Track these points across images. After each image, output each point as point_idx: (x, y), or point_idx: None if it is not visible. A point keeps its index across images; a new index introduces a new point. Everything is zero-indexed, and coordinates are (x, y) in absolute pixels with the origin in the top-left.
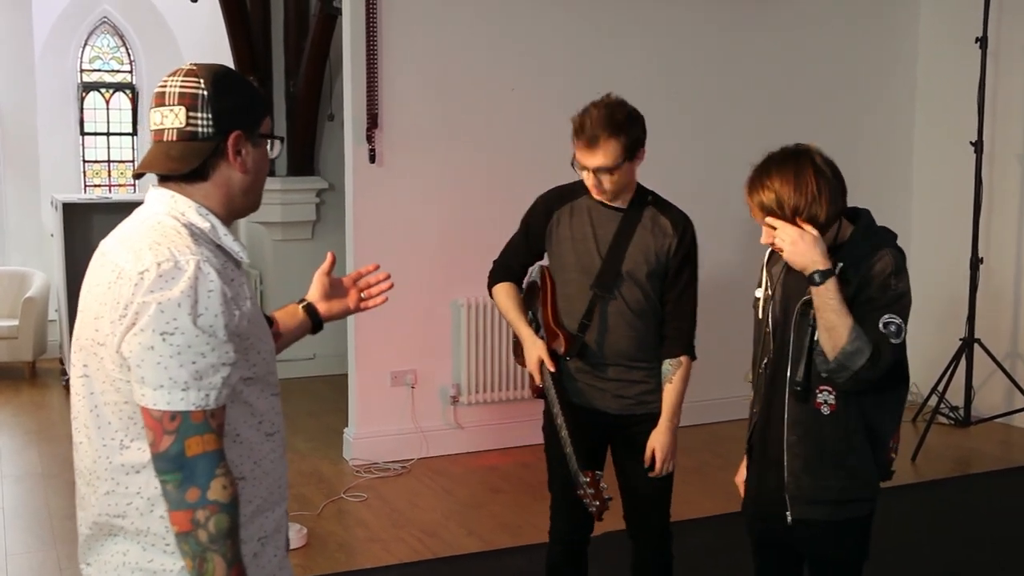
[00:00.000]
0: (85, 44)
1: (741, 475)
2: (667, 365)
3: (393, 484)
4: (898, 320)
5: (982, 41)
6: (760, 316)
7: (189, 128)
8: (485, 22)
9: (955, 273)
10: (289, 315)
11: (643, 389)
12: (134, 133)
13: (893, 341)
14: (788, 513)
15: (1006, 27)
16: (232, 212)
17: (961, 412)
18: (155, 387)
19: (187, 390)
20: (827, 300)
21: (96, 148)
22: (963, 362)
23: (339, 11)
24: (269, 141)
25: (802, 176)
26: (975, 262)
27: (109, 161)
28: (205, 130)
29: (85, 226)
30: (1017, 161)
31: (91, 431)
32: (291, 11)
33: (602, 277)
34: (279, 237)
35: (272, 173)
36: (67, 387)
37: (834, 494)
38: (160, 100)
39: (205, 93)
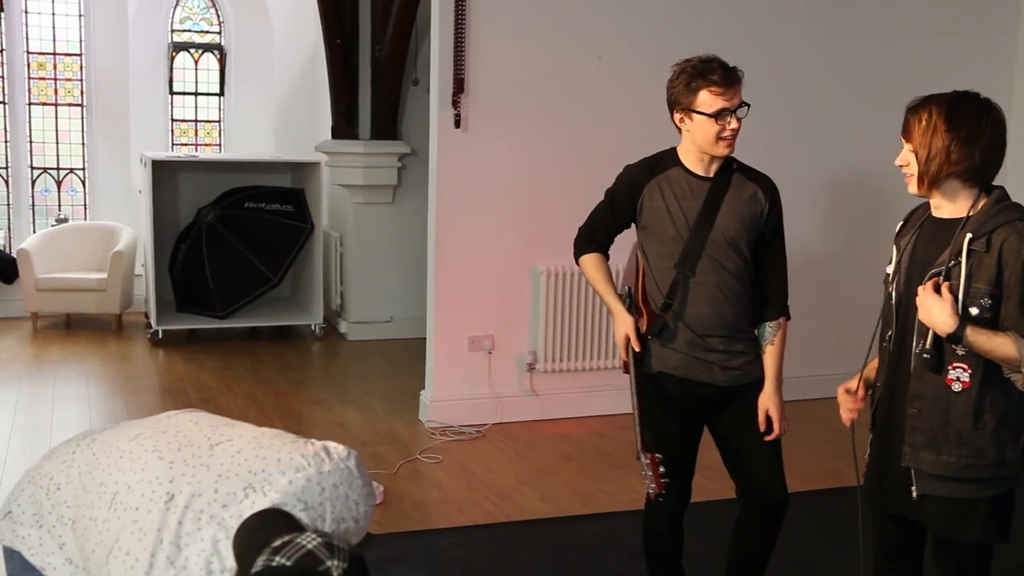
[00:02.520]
0: (176, 5)
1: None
2: (767, 328)
3: (468, 447)
4: None
5: None
6: (890, 290)
7: None
8: None
9: None
10: None
11: (747, 359)
12: (221, 93)
13: None
14: (913, 488)
15: None
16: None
17: None
18: None
19: None
20: (978, 346)
21: (184, 107)
22: None
23: None
24: None
25: (965, 132)
26: None
27: (196, 120)
28: None
29: (172, 183)
30: None
31: None
32: None
33: (690, 249)
34: (360, 200)
35: (356, 136)
36: (151, 340)
37: (955, 471)
38: None
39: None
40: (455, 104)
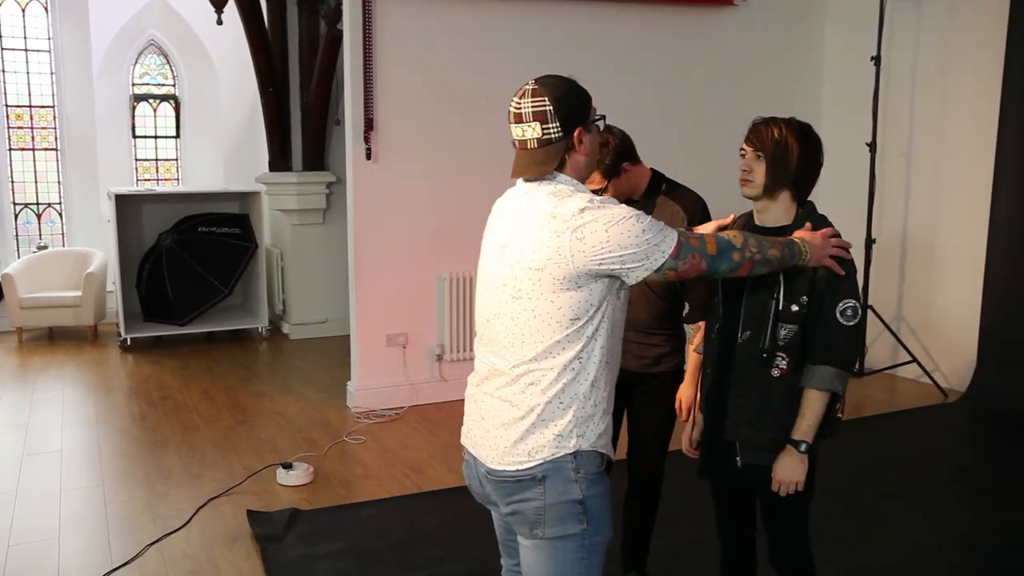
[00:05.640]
0: (136, 62)
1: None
2: (689, 329)
3: (388, 428)
4: (852, 302)
5: (876, 59)
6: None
7: (545, 137)
8: (465, 41)
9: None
10: None
11: (660, 352)
12: (177, 136)
13: (849, 324)
14: (738, 458)
15: (896, 48)
16: (584, 181)
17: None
18: (659, 258)
19: (667, 238)
20: (815, 430)
21: (146, 149)
22: None
23: (343, 32)
24: (597, 123)
25: (807, 151)
26: (869, 242)
27: (157, 160)
28: (556, 135)
29: (136, 213)
30: (902, 158)
31: (523, 336)
32: (304, 33)
33: None
34: (296, 222)
35: (290, 168)
36: (122, 347)
37: (771, 443)
38: (518, 119)
39: (551, 109)
40: (366, 139)
